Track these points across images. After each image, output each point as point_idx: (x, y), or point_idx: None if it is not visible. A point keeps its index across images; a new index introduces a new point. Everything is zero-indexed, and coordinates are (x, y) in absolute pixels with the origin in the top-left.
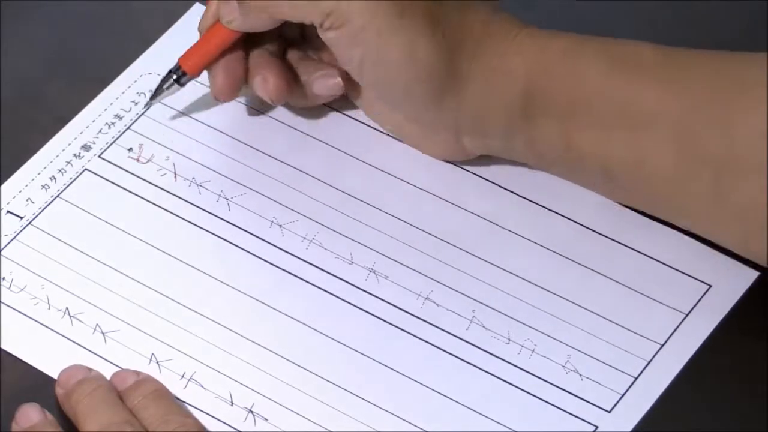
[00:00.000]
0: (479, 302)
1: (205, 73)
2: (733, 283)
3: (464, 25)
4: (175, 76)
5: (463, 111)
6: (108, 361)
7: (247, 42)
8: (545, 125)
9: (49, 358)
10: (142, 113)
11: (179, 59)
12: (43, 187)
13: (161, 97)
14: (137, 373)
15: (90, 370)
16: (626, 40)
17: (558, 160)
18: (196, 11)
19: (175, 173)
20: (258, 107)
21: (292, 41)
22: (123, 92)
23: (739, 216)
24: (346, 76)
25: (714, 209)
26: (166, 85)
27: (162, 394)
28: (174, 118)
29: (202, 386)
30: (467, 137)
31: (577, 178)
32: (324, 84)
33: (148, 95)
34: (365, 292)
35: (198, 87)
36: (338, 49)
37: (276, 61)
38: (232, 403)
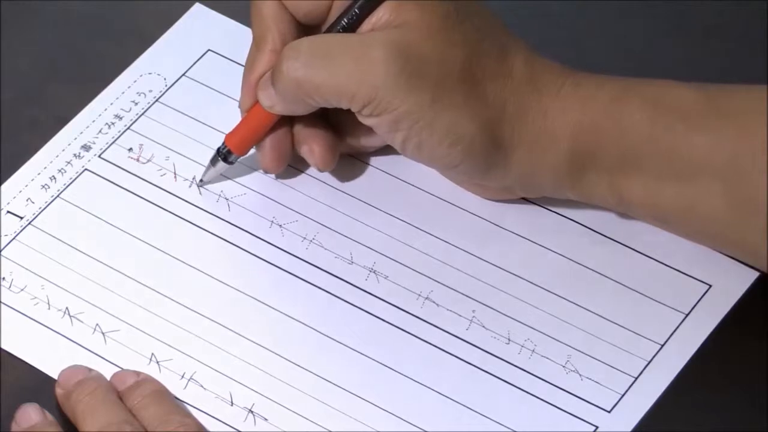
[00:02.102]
0: (479, 302)
1: (202, 73)
2: (733, 283)
3: (505, 88)
4: (222, 156)
5: (511, 176)
6: (108, 361)
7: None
8: (594, 180)
9: (49, 358)
10: (143, 113)
11: (225, 138)
12: (43, 187)
13: (210, 175)
14: (137, 373)
15: (90, 370)
16: (669, 84)
17: (610, 207)
18: (196, 11)
19: (175, 173)
20: None
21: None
22: (123, 92)
23: None
24: None
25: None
26: (216, 166)
27: (162, 394)
28: (174, 118)
29: (202, 386)
30: (519, 191)
31: (632, 215)
32: (371, 138)
33: (150, 93)
34: (365, 292)
35: (197, 87)
36: (380, 132)
37: (320, 130)
38: (232, 403)
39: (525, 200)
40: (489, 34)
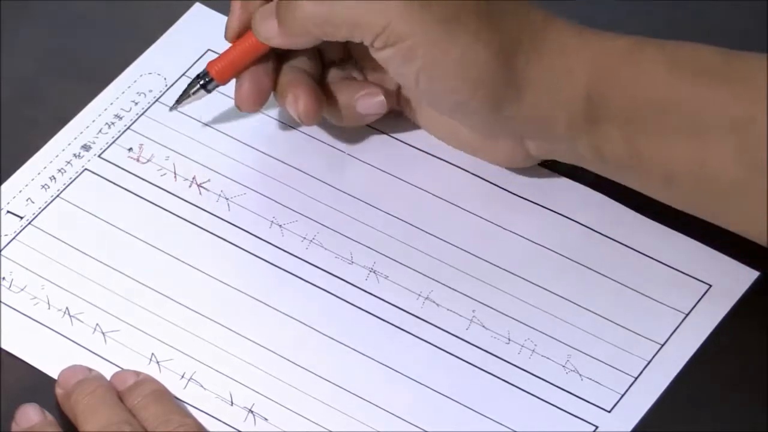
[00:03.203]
0: (479, 302)
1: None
2: (733, 283)
3: (521, 24)
4: (202, 82)
5: (524, 116)
6: (108, 361)
7: (280, 55)
8: (608, 129)
9: (49, 358)
10: (143, 113)
11: (208, 64)
12: (43, 187)
13: (187, 102)
14: (137, 373)
15: (90, 370)
16: (685, 43)
17: (620, 164)
18: (196, 11)
19: (175, 173)
20: (260, 109)
21: (333, 62)
22: (123, 92)
23: None
24: (395, 96)
25: None
26: (192, 90)
27: (162, 394)
28: (174, 118)
29: (202, 386)
30: (530, 142)
31: (639, 183)
32: (368, 103)
33: (150, 93)
34: (365, 292)
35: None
36: (392, 66)
37: (309, 81)
38: (232, 403)
39: (525, 200)
40: None
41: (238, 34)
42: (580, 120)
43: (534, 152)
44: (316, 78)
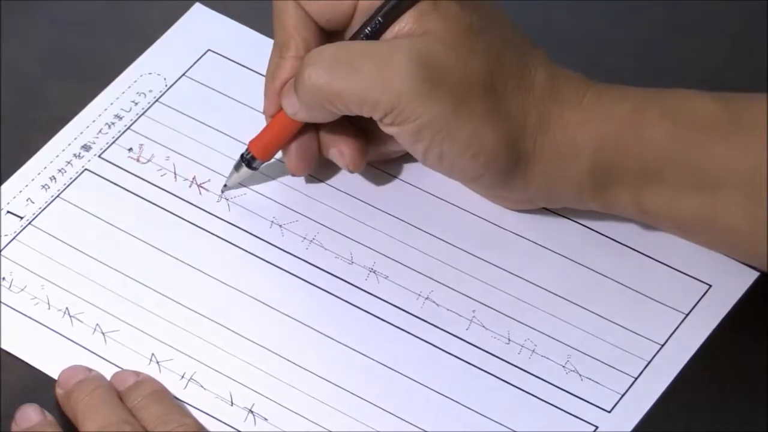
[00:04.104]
0: (479, 302)
1: (202, 73)
2: (733, 283)
3: (526, 100)
4: (246, 161)
5: (532, 188)
6: (108, 361)
7: None
8: (616, 193)
9: (49, 358)
10: (143, 113)
11: (249, 144)
12: (43, 187)
13: (233, 181)
14: (137, 373)
15: (90, 370)
16: (688, 94)
17: (631, 217)
18: (196, 11)
19: (175, 173)
20: (261, 109)
21: None
22: (123, 92)
23: None
24: None
25: None
26: (240, 172)
27: (162, 394)
28: (174, 118)
29: (202, 386)
30: (540, 202)
31: (652, 224)
32: (394, 145)
33: (150, 93)
34: (365, 292)
35: (197, 87)
36: (401, 141)
37: (348, 132)
38: (232, 403)
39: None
40: (510, 45)
41: (275, 110)
42: (587, 188)
43: (543, 206)
44: (354, 129)
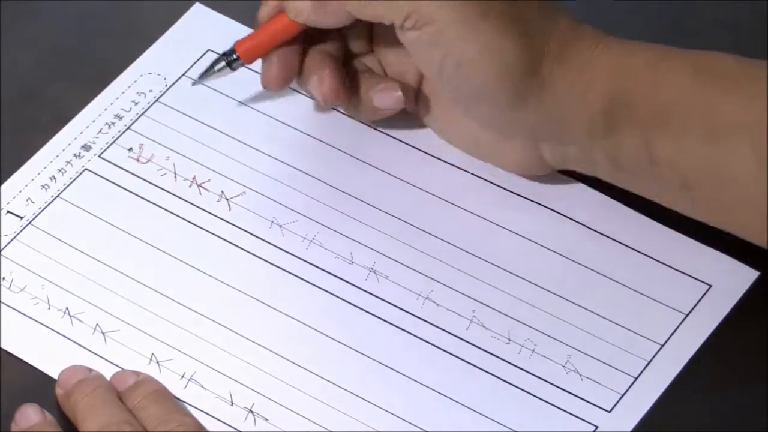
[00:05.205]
0: (479, 302)
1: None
2: (733, 283)
3: (549, 27)
4: (228, 59)
5: (543, 114)
6: (108, 361)
7: (307, 39)
8: (626, 133)
9: (49, 358)
10: (143, 113)
11: (236, 43)
12: (43, 187)
13: (211, 78)
14: (137, 373)
15: (90, 370)
16: (709, 51)
17: (636, 171)
18: (196, 11)
19: (175, 173)
20: (261, 109)
21: (356, 53)
22: (123, 92)
23: None
24: (413, 94)
25: None
26: (218, 67)
27: (162, 394)
28: (174, 118)
29: (202, 386)
30: (545, 144)
31: (655, 191)
32: (385, 97)
33: (150, 93)
34: (365, 291)
35: (197, 87)
36: (418, 50)
37: (335, 63)
38: (232, 403)
39: (525, 199)
40: None
41: (271, 14)
42: (599, 124)
43: (548, 157)
44: (341, 63)
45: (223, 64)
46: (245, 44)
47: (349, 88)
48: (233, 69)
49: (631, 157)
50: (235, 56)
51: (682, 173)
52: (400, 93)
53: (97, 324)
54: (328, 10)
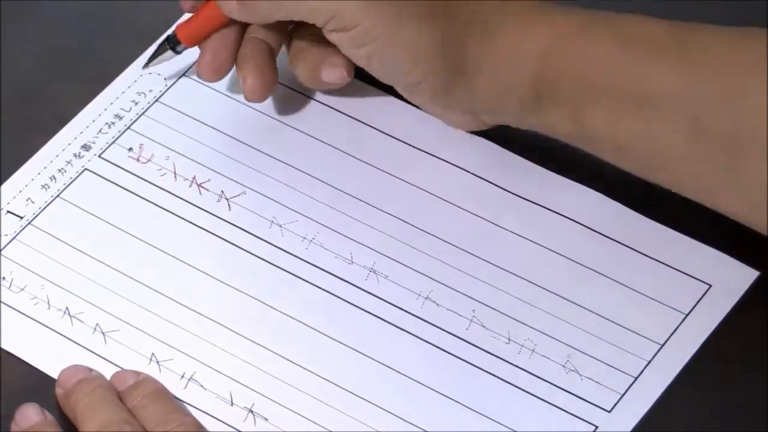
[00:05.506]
0: (479, 302)
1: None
2: (733, 283)
3: (473, 9)
4: (171, 45)
5: (475, 97)
6: (108, 361)
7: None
8: (556, 108)
9: (49, 358)
10: (143, 113)
11: (177, 26)
12: (43, 187)
13: (156, 63)
14: (137, 373)
15: (90, 370)
16: (637, 17)
17: (571, 138)
18: None
19: (175, 173)
20: (260, 108)
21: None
22: (123, 92)
23: (748, 189)
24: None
25: (724, 184)
26: (162, 52)
27: (161, 394)
28: (174, 118)
29: (202, 386)
30: (484, 115)
31: (592, 153)
32: (329, 73)
33: (150, 93)
34: (365, 291)
35: (197, 86)
36: (343, 48)
37: (262, 57)
38: (232, 403)
39: (525, 200)
40: None
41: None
42: (529, 101)
43: (489, 122)
44: (277, 49)
45: (168, 50)
46: (185, 30)
47: (274, 82)
48: (178, 52)
49: (563, 127)
50: (176, 39)
51: (615, 142)
52: (343, 71)
53: (97, 324)
54: (254, 11)
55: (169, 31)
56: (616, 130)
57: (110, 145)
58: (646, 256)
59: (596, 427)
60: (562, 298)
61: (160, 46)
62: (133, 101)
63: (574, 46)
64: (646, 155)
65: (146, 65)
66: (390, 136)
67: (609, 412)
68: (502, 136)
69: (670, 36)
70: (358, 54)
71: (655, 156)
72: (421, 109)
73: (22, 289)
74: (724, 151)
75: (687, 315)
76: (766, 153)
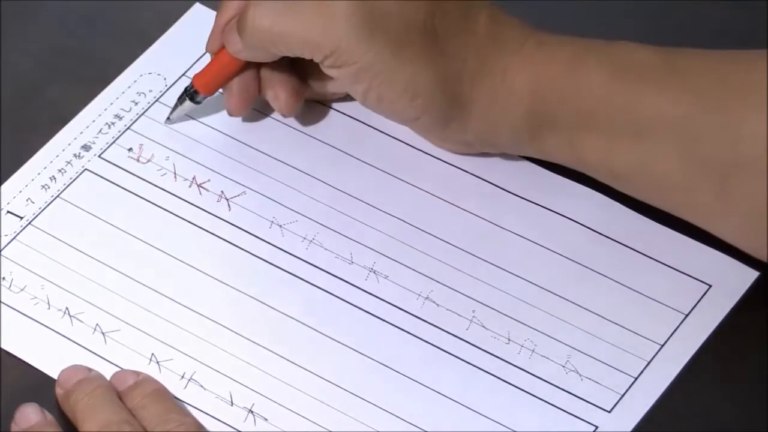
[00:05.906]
0: (479, 302)
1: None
2: (733, 283)
3: (467, 46)
4: (189, 95)
5: (470, 132)
6: (108, 361)
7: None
8: (551, 138)
9: (49, 358)
10: (143, 113)
11: (194, 78)
12: (43, 187)
13: (177, 114)
14: (137, 373)
15: (90, 370)
16: (628, 45)
17: (567, 164)
18: (196, 11)
19: (175, 173)
20: (260, 108)
21: None
22: (123, 92)
23: (743, 216)
24: None
25: (719, 209)
26: (182, 103)
27: (161, 393)
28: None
29: (202, 386)
30: (478, 145)
31: (588, 174)
32: (335, 85)
33: (150, 93)
34: (365, 292)
35: None
36: (341, 83)
37: (286, 76)
38: (232, 403)
39: (525, 200)
40: None
41: (218, 47)
42: (523, 132)
43: (483, 150)
44: (294, 70)
45: (186, 101)
46: (202, 80)
47: (304, 93)
48: (198, 102)
49: (559, 156)
50: (194, 90)
51: (609, 169)
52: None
53: (97, 324)
54: (257, 47)
55: (188, 83)
56: (612, 159)
57: (110, 145)
58: (646, 256)
59: (596, 427)
60: (562, 298)
61: (179, 98)
62: (133, 101)
63: (566, 77)
64: (643, 182)
65: (168, 119)
66: (390, 136)
67: (609, 412)
68: None
69: (661, 63)
70: (356, 89)
71: (651, 183)
72: None
73: (22, 290)
74: (719, 178)
75: (687, 315)
76: (762, 179)
